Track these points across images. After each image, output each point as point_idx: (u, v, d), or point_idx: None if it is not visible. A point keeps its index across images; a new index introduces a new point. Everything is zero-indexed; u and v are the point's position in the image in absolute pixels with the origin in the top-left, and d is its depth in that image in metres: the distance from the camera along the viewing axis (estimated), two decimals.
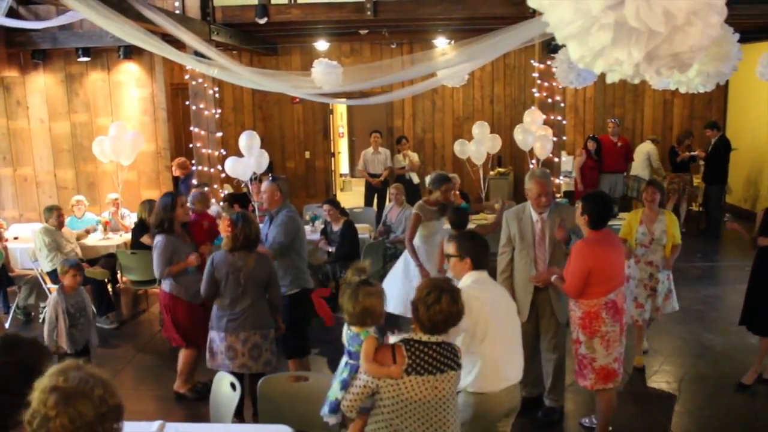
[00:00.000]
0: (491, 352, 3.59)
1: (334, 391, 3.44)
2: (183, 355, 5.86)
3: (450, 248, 3.84)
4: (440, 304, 3.16)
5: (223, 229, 4.99)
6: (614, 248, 4.57)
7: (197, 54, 7.14)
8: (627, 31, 2.08)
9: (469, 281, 3.71)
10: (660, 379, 5.94)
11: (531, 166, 9.50)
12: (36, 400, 2.03)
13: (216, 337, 5.03)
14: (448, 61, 7.08)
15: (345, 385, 3.36)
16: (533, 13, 8.64)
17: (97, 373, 2.11)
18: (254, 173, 8.51)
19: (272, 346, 5.07)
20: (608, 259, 4.49)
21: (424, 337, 3.20)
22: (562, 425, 5.26)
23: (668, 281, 6.08)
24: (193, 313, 5.72)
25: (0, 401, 2.40)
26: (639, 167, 11.50)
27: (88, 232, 8.66)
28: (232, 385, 4.04)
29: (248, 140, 8.36)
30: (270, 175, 6.63)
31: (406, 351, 3.16)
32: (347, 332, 3.46)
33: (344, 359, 3.48)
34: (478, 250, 3.78)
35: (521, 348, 3.83)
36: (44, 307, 7.80)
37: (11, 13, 8.96)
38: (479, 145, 9.79)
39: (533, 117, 9.22)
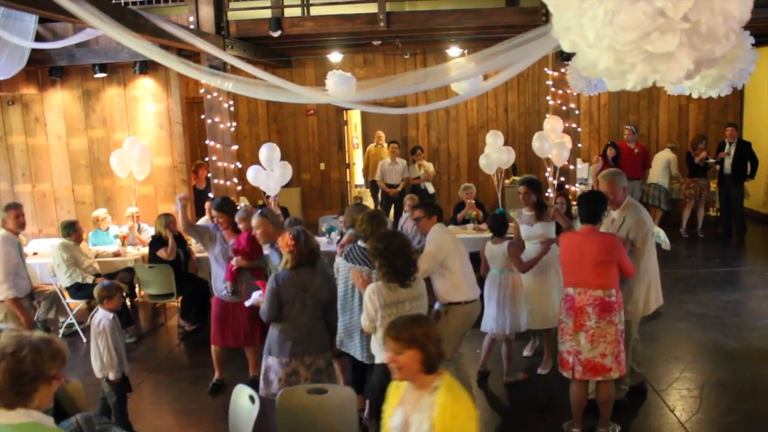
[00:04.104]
0: (458, 271, 5.17)
1: None
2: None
3: (418, 212, 5.41)
4: (363, 224, 4.93)
5: (285, 245, 4.69)
6: (581, 246, 4.75)
7: (212, 67, 7.21)
8: (690, 37, 2.06)
9: (435, 228, 5.28)
10: (681, 386, 5.88)
11: (547, 174, 9.47)
12: None
13: (275, 364, 4.75)
14: (462, 74, 7.08)
15: None
16: (546, 22, 8.64)
17: (35, 341, 2.46)
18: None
19: (330, 369, 4.89)
20: (570, 253, 4.83)
21: (361, 243, 5.00)
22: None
23: None
24: (216, 307, 6.13)
25: None
26: (658, 175, 11.42)
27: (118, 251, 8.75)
28: (251, 398, 4.04)
29: (269, 152, 8.41)
30: (259, 207, 6.52)
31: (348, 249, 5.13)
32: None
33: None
34: (439, 210, 5.41)
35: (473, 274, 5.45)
36: (63, 322, 7.89)
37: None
38: (491, 155, 9.67)
39: (552, 124, 9.18)
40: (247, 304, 5.37)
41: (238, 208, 6.58)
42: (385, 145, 12.72)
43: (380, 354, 4.31)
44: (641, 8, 2.03)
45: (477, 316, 5.48)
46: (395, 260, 4.17)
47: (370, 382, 4.96)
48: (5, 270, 6.08)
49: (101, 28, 4.94)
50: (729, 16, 2.03)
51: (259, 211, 5.72)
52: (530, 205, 6.15)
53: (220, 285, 6.11)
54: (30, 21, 8.17)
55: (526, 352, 6.73)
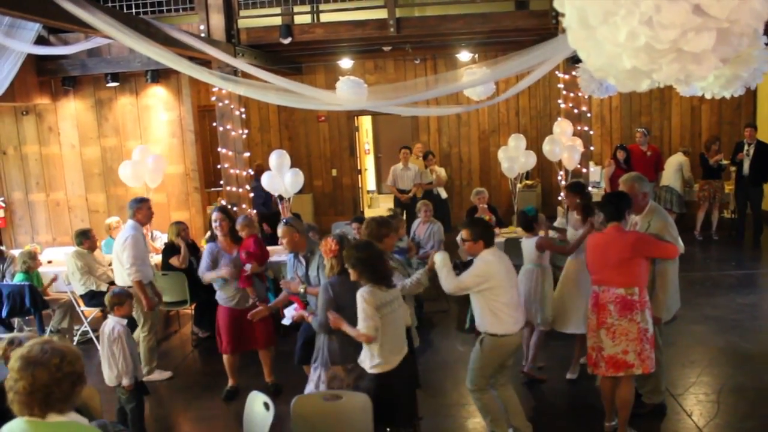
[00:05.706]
0: (505, 301, 4.66)
1: None
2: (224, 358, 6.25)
3: (464, 234, 4.74)
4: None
5: (329, 250, 4.52)
6: (605, 245, 4.77)
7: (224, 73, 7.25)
8: (724, 35, 2.05)
9: (488, 253, 4.71)
10: (698, 391, 5.82)
11: (559, 177, 9.43)
12: (10, 368, 2.50)
13: (323, 373, 4.56)
14: (473, 81, 7.09)
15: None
16: (556, 25, 8.63)
17: (58, 346, 2.54)
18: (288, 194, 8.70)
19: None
20: (594, 252, 4.87)
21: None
22: None
23: None
24: (227, 317, 6.04)
25: None
26: (670, 178, 11.34)
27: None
28: (266, 405, 4.04)
29: (278, 159, 8.46)
30: (282, 218, 6.37)
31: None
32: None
33: None
34: (487, 233, 4.76)
35: (521, 302, 5.00)
36: (78, 330, 7.92)
37: (43, 42, 9.17)
38: (518, 158, 9.66)
39: (562, 128, 9.16)
40: (286, 322, 5.15)
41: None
42: (421, 157, 12.21)
43: (368, 362, 4.24)
44: (683, 6, 2.00)
45: (513, 350, 4.92)
46: (379, 266, 4.24)
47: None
48: (135, 254, 6.41)
49: (116, 37, 4.99)
50: (756, 14, 2.01)
51: (285, 220, 5.61)
52: (575, 208, 6.04)
53: (229, 295, 6.03)
54: (32, 29, 8.22)
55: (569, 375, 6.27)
